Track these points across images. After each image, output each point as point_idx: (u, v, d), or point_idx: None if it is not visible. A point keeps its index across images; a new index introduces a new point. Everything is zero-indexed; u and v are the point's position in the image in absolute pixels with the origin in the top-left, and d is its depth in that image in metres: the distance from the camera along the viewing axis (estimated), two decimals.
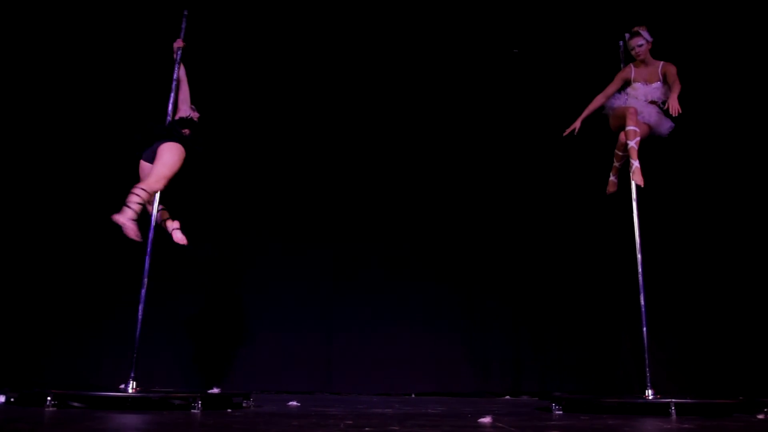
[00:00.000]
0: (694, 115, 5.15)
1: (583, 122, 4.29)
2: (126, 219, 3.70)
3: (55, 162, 5.50)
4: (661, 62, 4.26)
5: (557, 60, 5.74)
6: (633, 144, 4.08)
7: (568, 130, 4.32)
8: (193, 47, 4.32)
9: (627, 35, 4.30)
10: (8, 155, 5.45)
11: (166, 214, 4.10)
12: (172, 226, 4.08)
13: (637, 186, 4.11)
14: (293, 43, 5.85)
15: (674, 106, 3.98)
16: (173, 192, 4.09)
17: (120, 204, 3.73)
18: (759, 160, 5.40)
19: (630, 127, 4.09)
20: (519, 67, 5.82)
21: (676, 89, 4.09)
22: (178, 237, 4.05)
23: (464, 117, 5.84)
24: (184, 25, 4.25)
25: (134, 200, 3.74)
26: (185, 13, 4.28)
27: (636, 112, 4.12)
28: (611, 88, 4.28)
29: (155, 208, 3.94)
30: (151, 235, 3.90)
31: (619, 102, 4.26)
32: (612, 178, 4.41)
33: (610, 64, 4.50)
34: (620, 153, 4.26)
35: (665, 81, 4.21)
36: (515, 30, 5.83)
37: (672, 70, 4.20)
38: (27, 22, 5.55)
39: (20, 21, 5.53)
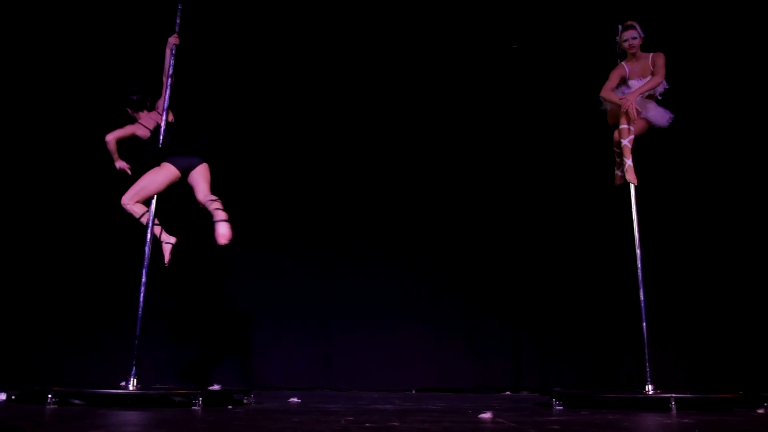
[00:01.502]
0: (694, 110, 5.18)
1: (581, 118, 4.23)
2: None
3: (55, 164, 5.50)
4: (651, 54, 4.26)
5: (556, 55, 5.73)
6: (626, 142, 4.09)
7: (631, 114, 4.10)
8: (189, 46, 4.31)
9: (620, 27, 4.30)
10: (9, 156, 5.44)
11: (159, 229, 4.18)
12: (166, 239, 4.16)
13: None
14: (292, 40, 5.84)
15: (630, 98, 4.06)
16: (175, 192, 4.11)
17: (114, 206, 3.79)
18: (758, 156, 5.39)
19: (623, 126, 4.10)
20: (518, 62, 5.81)
21: (653, 81, 4.10)
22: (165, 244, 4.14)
23: (465, 113, 5.84)
24: (178, 20, 4.24)
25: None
26: (179, 7, 4.26)
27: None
28: (611, 84, 4.27)
29: (152, 213, 3.99)
30: (149, 233, 3.92)
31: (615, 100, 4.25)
32: (617, 172, 4.41)
33: (608, 58, 4.49)
34: (617, 150, 4.27)
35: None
36: (514, 26, 5.82)
37: (659, 60, 4.21)
38: (19, 15, 5.54)
39: (12, 14, 5.52)
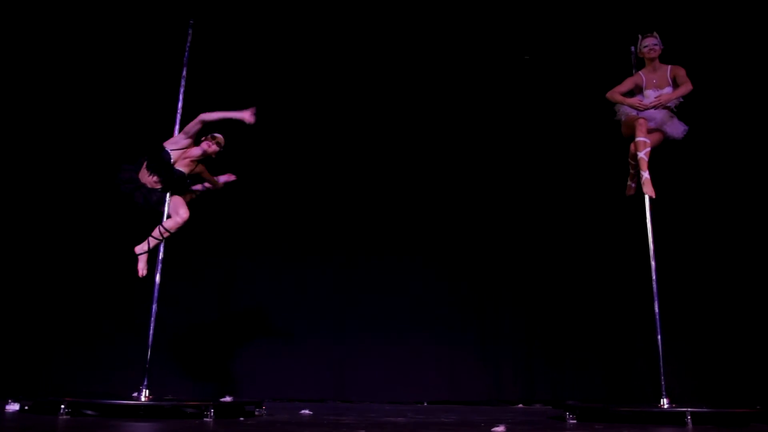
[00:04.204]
0: (709, 121, 5.15)
1: (595, 131, 4.21)
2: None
3: (67, 176, 5.54)
4: (669, 66, 4.24)
5: (569, 66, 5.72)
6: (642, 155, 4.05)
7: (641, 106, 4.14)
8: (198, 54, 4.34)
9: (640, 36, 4.29)
10: (21, 169, 5.50)
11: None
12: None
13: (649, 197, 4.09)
14: (303, 49, 5.87)
15: (661, 99, 4.06)
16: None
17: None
18: None
19: (639, 138, 4.07)
20: (531, 73, 5.81)
21: (684, 88, 4.09)
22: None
23: (481, 126, 5.82)
24: (190, 36, 4.27)
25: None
26: (191, 22, 4.29)
27: (645, 123, 4.10)
28: (622, 88, 4.26)
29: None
30: (162, 246, 3.94)
31: (630, 110, 4.24)
32: (630, 182, 4.39)
33: (621, 70, 4.47)
34: (633, 162, 4.24)
35: (675, 83, 4.19)
36: (527, 37, 5.82)
37: (682, 71, 4.19)
38: (32, 28, 5.62)
39: (26, 29, 5.61)
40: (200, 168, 4.14)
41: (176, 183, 4.03)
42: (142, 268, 4.05)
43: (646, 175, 4.05)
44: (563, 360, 5.37)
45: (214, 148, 4.08)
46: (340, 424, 3.26)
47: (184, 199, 4.10)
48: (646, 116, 4.14)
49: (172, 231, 3.99)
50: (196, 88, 4.33)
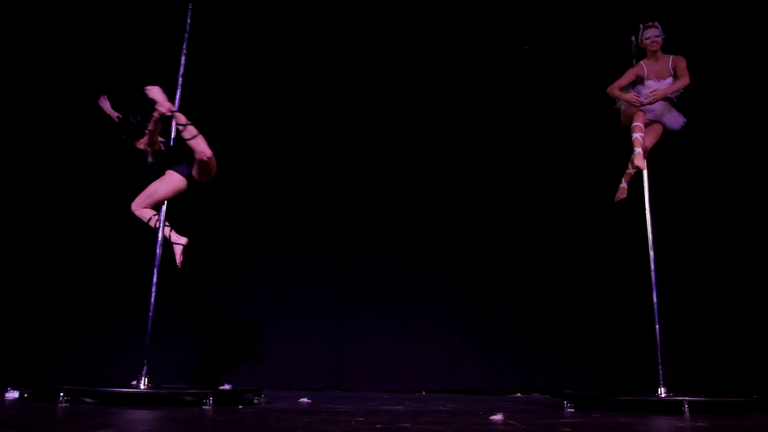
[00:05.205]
0: (709, 111, 5.14)
1: (596, 121, 4.22)
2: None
3: (68, 165, 5.52)
4: (671, 56, 4.23)
5: (569, 56, 5.70)
6: (637, 136, 4.10)
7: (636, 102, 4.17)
8: (196, 44, 4.32)
9: (641, 26, 4.26)
10: (25, 160, 5.49)
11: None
12: (177, 240, 4.14)
13: (647, 179, 4.09)
14: (298, 40, 5.83)
15: (656, 95, 4.07)
16: (187, 193, 4.12)
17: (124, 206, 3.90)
18: None
19: (635, 123, 4.10)
20: (530, 64, 5.79)
21: (681, 82, 4.09)
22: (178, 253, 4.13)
23: (481, 116, 5.80)
24: (189, 20, 4.24)
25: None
26: (190, 6, 4.26)
27: (644, 115, 4.13)
28: (623, 81, 4.25)
29: (163, 215, 4.00)
30: (160, 234, 3.93)
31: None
32: (623, 184, 4.37)
33: (622, 60, 4.46)
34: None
35: (676, 75, 4.18)
36: (527, 26, 5.80)
37: (682, 63, 4.18)
38: (27, 15, 5.58)
39: (22, 15, 5.57)
40: (143, 143, 4.14)
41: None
42: (176, 257, 4.11)
43: (638, 150, 4.07)
44: (562, 349, 5.39)
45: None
46: (339, 412, 3.27)
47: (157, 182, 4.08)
48: (644, 108, 4.14)
49: (141, 219, 4.04)
50: (194, 74, 4.30)
